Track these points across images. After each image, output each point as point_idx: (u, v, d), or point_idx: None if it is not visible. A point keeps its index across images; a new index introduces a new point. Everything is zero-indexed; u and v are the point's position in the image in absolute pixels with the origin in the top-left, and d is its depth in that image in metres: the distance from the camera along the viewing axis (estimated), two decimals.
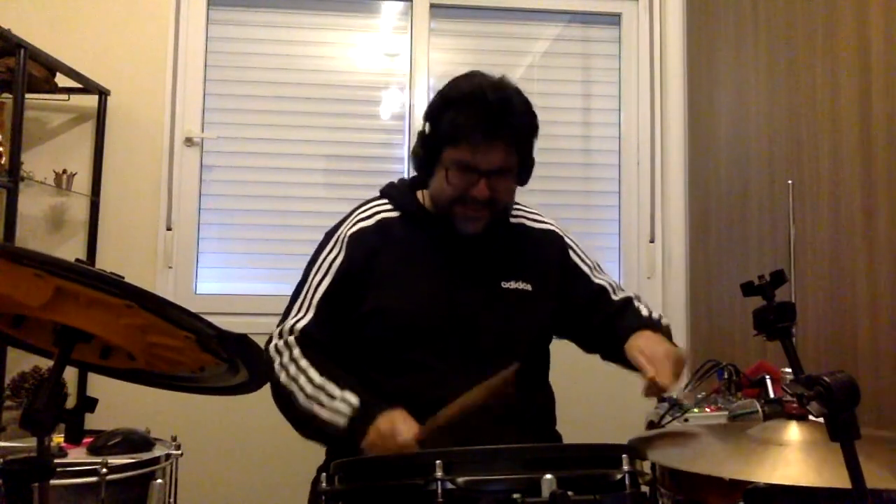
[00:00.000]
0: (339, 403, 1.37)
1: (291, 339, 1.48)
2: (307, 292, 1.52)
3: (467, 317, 1.48)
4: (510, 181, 1.49)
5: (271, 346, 1.49)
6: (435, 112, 1.48)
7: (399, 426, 1.30)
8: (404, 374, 1.46)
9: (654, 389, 1.32)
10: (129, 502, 1.44)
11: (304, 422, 1.41)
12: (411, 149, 1.56)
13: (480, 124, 1.41)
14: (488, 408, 1.44)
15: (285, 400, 1.43)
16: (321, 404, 1.38)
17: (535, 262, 1.56)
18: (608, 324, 1.56)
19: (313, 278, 1.53)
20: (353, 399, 1.36)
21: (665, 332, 1.50)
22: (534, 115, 1.49)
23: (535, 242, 1.60)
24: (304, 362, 1.44)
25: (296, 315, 1.51)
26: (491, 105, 1.41)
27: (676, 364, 1.34)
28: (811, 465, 1.01)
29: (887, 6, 1.79)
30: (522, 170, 1.52)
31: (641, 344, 1.40)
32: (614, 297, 1.59)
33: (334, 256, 1.53)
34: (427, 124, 1.49)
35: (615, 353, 1.52)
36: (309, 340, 1.48)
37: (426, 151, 1.50)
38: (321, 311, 1.50)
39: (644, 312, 1.55)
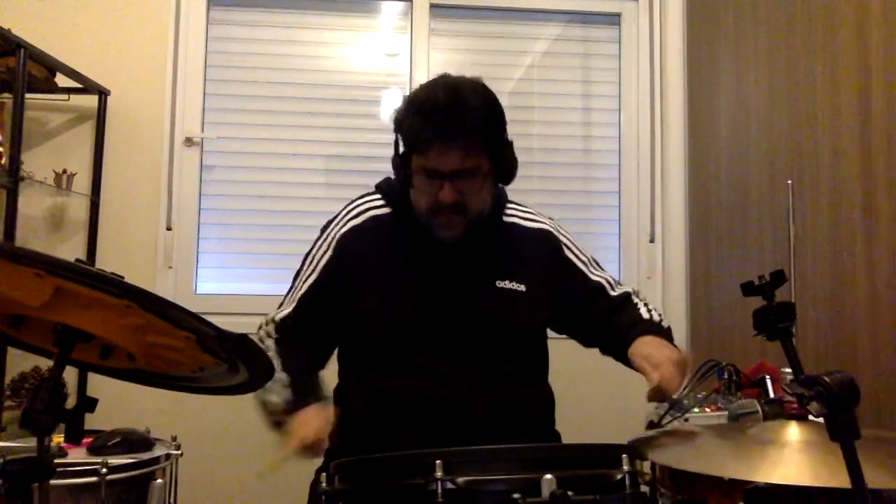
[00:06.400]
0: (276, 397, 1.38)
1: (271, 328, 1.53)
2: (296, 286, 1.56)
3: (462, 316, 1.48)
4: (478, 182, 1.44)
5: (255, 332, 1.53)
6: (398, 121, 1.47)
7: (303, 424, 1.30)
8: (400, 375, 1.46)
9: (658, 395, 1.32)
10: (129, 502, 1.44)
11: (261, 408, 1.42)
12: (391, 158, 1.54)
13: (433, 128, 1.40)
14: (489, 406, 1.44)
15: None
16: (270, 394, 1.40)
17: (529, 262, 1.56)
18: (606, 320, 1.56)
19: (303, 273, 1.56)
20: (288, 395, 1.38)
21: (667, 335, 1.50)
22: (493, 112, 1.45)
23: (528, 242, 1.59)
24: (272, 353, 1.49)
25: (281, 306, 1.56)
26: (441, 107, 1.40)
27: (680, 368, 1.34)
28: (811, 465, 1.01)
29: (887, 6, 1.79)
30: (498, 168, 1.49)
31: (645, 351, 1.40)
32: (612, 293, 1.59)
33: (322, 253, 1.55)
34: (396, 134, 1.48)
35: (614, 349, 1.53)
36: (285, 332, 1.52)
37: (400, 160, 1.50)
38: (302, 306, 1.53)
39: (644, 313, 1.55)
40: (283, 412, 1.37)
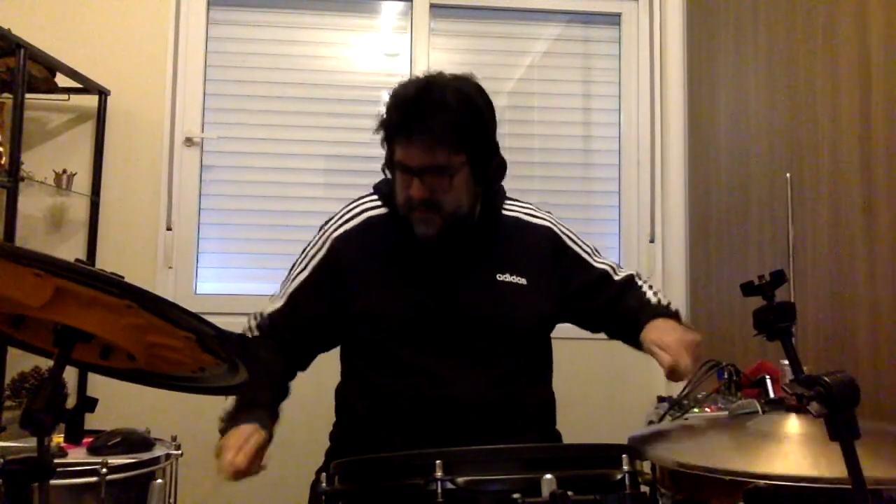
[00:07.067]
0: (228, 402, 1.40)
1: (255, 322, 1.55)
2: (287, 281, 1.57)
3: (463, 311, 1.48)
4: (446, 180, 1.42)
5: (245, 322, 1.56)
6: (380, 114, 1.49)
7: (226, 455, 1.31)
8: (401, 375, 1.46)
9: (675, 376, 1.32)
10: (129, 502, 1.44)
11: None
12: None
13: (399, 123, 1.41)
14: (489, 406, 1.44)
15: None
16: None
17: (530, 256, 1.56)
18: (613, 305, 1.57)
19: (296, 269, 1.57)
20: (229, 404, 1.40)
21: (675, 317, 1.51)
22: (469, 111, 1.42)
23: (529, 236, 1.59)
24: None
25: (272, 300, 1.57)
26: (410, 103, 1.41)
27: (691, 350, 1.35)
28: (810, 457, 1.01)
29: (887, 6, 1.79)
30: (476, 168, 1.46)
31: (655, 335, 1.41)
32: (616, 278, 1.60)
33: (315, 252, 1.56)
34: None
35: (622, 333, 1.54)
36: (271, 328, 1.53)
37: (387, 156, 1.51)
38: (289, 303, 1.54)
39: (651, 297, 1.56)
40: (223, 422, 1.39)
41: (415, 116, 1.39)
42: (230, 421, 1.37)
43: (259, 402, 1.40)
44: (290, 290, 1.54)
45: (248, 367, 0.98)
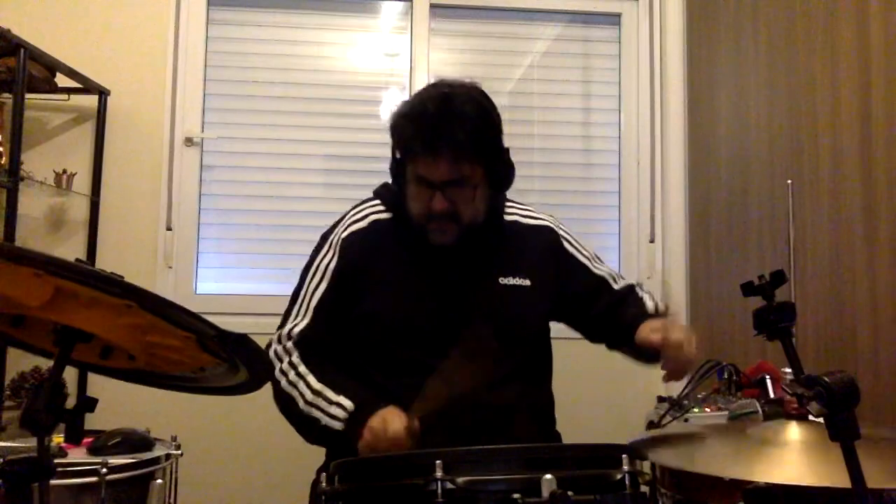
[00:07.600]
0: (336, 409, 1.39)
1: (290, 344, 1.49)
2: (304, 297, 1.54)
3: (466, 314, 1.48)
4: (468, 191, 1.44)
5: (271, 351, 1.51)
6: (393, 127, 1.48)
7: (389, 421, 1.30)
8: (405, 375, 1.46)
9: (673, 375, 1.32)
10: (129, 502, 1.44)
11: (307, 427, 1.42)
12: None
13: (422, 138, 1.40)
14: (488, 402, 1.44)
15: (287, 405, 1.44)
16: (320, 409, 1.40)
17: (532, 257, 1.57)
18: (611, 313, 1.57)
19: (310, 282, 1.54)
20: (348, 403, 1.38)
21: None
22: (485, 121, 1.44)
23: (530, 238, 1.60)
24: (302, 368, 1.46)
25: (294, 320, 1.52)
26: (430, 118, 1.40)
27: (687, 333, 1.34)
28: (811, 465, 1.01)
29: (887, 6, 1.79)
30: (493, 176, 1.48)
31: (648, 326, 1.41)
32: (615, 287, 1.60)
33: (329, 260, 1.54)
34: (392, 139, 1.49)
35: (621, 341, 1.53)
36: (308, 345, 1.49)
37: (396, 166, 1.50)
38: (318, 316, 1.51)
39: (649, 304, 1.56)
40: (349, 420, 1.36)
41: (439, 131, 1.39)
42: (362, 413, 1.36)
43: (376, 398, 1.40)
44: (313, 304, 1.51)
45: (248, 367, 0.98)
